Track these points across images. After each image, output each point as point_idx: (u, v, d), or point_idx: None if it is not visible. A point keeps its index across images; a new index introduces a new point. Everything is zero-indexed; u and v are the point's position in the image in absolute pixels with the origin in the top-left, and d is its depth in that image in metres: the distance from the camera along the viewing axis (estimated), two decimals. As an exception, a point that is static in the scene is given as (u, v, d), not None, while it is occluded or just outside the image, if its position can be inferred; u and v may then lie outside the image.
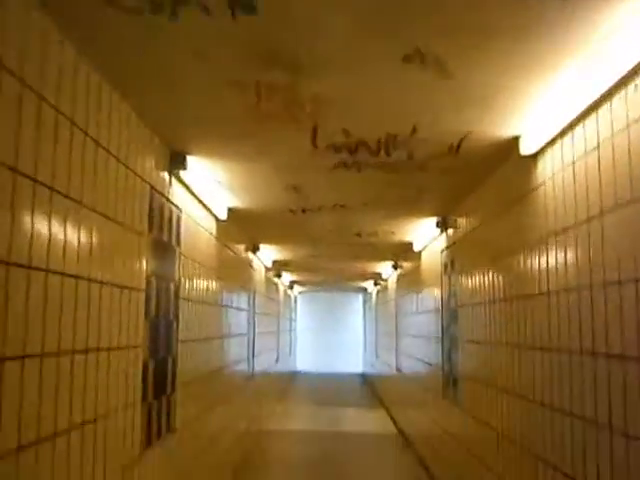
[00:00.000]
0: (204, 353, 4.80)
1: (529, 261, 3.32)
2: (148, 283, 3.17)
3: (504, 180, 3.81)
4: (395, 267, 9.76)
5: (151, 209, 3.23)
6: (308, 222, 6.13)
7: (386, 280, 11.71)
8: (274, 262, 9.58)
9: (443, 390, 5.79)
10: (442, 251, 5.85)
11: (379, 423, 10.12)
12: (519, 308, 3.47)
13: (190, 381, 4.17)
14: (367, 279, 13.83)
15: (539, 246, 3.15)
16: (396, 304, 9.96)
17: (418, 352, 7.37)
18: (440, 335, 5.87)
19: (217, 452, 5.57)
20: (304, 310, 21.09)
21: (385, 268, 10.62)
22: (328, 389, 15.17)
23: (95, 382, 2.48)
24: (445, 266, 5.71)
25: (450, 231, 5.47)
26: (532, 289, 3.24)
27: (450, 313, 5.44)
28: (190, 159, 3.70)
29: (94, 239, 2.47)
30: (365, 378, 17.60)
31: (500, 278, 3.90)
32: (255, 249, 7.83)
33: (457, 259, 5.24)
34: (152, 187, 3.24)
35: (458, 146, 3.43)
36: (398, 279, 9.85)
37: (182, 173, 3.70)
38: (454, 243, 5.34)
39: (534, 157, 3.23)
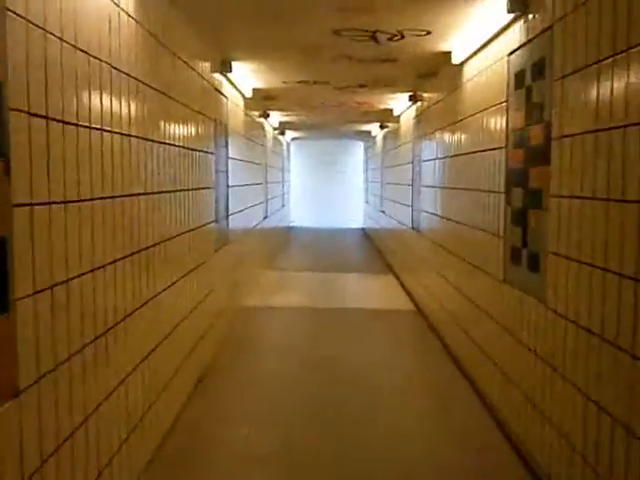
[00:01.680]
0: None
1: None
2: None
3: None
4: (413, 99, 7.49)
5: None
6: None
7: (398, 118, 9.43)
8: (254, 90, 7.25)
9: (506, 269, 3.80)
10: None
11: (390, 294, 8.33)
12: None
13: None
14: (370, 121, 11.52)
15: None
16: (413, 149, 7.78)
17: (458, 211, 5.31)
18: (505, 190, 3.79)
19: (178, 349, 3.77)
20: (299, 159, 18.91)
21: (399, 101, 8.32)
22: (325, 248, 13.39)
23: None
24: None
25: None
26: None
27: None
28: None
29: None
30: (367, 235, 15.81)
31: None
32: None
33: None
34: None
35: None
36: (417, 116, 7.59)
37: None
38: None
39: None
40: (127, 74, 2.94)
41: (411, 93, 7.49)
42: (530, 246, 3.39)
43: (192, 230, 4.33)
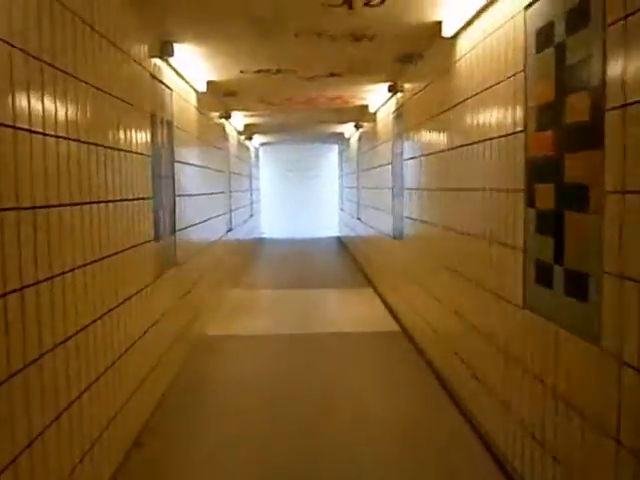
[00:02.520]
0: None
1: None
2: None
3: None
4: (392, 90, 6.56)
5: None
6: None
7: (374, 115, 8.50)
8: (209, 83, 6.26)
9: (528, 292, 2.86)
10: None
11: (371, 312, 7.37)
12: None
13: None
14: (344, 121, 10.60)
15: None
16: (393, 147, 6.85)
17: (452, 217, 4.38)
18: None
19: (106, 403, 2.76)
20: (269, 166, 17.93)
21: (376, 93, 7.39)
22: (298, 261, 12.38)
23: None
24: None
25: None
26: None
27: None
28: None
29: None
30: (344, 244, 14.85)
31: None
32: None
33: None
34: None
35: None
36: (398, 109, 6.67)
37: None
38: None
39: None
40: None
41: (390, 83, 6.57)
42: (569, 263, 2.45)
43: (115, 254, 3.31)
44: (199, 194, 6.33)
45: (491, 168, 3.40)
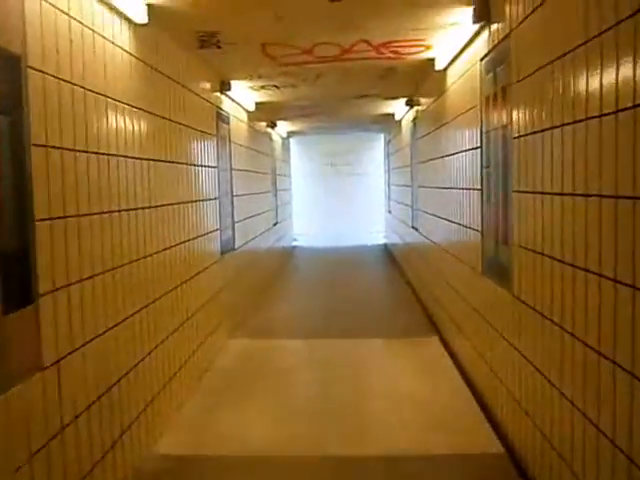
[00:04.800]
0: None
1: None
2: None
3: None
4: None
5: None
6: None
7: (442, 75, 5.60)
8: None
9: None
10: None
11: (446, 403, 4.47)
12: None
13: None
14: (394, 96, 7.75)
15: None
16: (485, 117, 3.96)
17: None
18: None
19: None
20: (302, 160, 15.19)
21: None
22: (331, 284, 9.46)
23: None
24: None
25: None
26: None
27: None
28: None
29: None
30: (391, 256, 11.92)
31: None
32: None
33: None
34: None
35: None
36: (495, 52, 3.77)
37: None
38: None
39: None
40: None
41: (474, 6, 3.71)
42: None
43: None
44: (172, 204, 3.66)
45: None
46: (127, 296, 3.35)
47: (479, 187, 4.09)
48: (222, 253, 5.96)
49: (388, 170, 12.55)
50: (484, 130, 3.93)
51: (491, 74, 3.72)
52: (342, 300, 7.89)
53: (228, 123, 6.42)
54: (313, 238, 14.80)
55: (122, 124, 3.37)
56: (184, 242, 4.58)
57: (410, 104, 7.86)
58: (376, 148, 14.87)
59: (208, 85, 5.47)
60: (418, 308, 7.26)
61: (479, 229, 4.12)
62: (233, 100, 6.61)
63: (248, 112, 7.67)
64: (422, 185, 6.99)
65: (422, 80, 6.39)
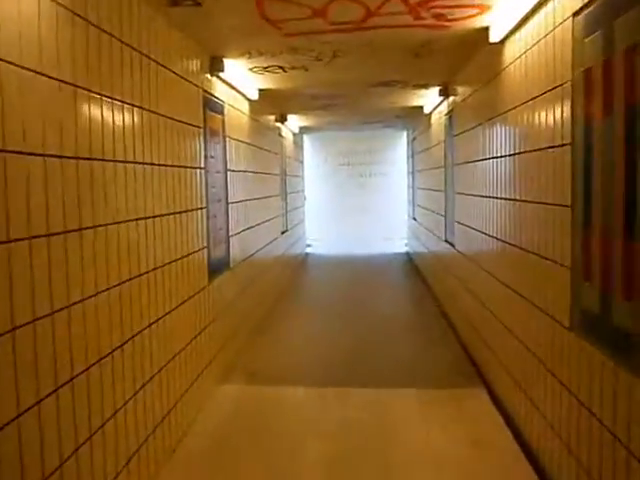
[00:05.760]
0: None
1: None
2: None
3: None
4: None
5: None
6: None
7: (499, 47, 4.29)
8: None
9: None
10: None
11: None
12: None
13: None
14: (423, 86, 6.49)
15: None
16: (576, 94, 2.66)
17: None
18: None
19: None
20: (315, 159, 13.93)
21: None
22: (346, 306, 8.14)
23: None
24: None
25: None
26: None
27: None
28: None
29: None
30: (415, 267, 10.60)
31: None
32: None
33: None
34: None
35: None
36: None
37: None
38: None
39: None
40: None
41: None
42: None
43: None
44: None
45: None
46: (64, 354, 2.13)
47: (567, 203, 2.79)
48: (212, 276, 4.72)
49: (412, 172, 11.23)
50: (580, 119, 2.63)
51: (599, 33, 2.42)
52: (361, 329, 6.57)
53: (222, 113, 5.16)
54: (328, 244, 13.53)
55: (47, 107, 2.15)
56: (151, 271, 3.34)
57: (445, 94, 6.56)
58: (398, 147, 13.57)
59: (190, 61, 4.22)
60: (453, 341, 5.95)
61: (567, 264, 2.82)
62: (229, 85, 5.34)
63: (250, 102, 6.40)
64: (462, 192, 5.67)
65: (465, 60, 5.08)
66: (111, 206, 2.81)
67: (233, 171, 5.57)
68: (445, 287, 7.08)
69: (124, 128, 2.99)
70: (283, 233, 9.25)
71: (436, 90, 6.68)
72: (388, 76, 5.91)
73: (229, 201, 5.40)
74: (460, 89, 5.85)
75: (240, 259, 5.87)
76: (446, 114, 6.76)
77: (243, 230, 6.05)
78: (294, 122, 9.77)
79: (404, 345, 5.96)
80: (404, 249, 12.61)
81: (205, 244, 4.57)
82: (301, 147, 12.53)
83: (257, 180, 6.92)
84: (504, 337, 4.09)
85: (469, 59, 5.00)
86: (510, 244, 3.92)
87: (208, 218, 4.65)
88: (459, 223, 5.85)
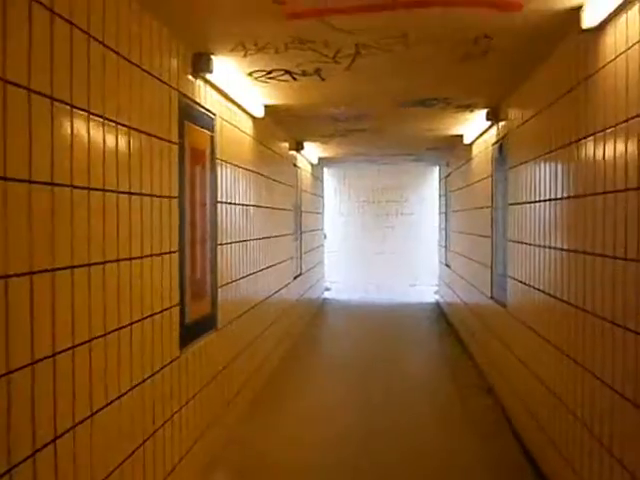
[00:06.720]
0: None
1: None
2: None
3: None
4: None
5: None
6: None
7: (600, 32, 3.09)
8: None
9: None
10: None
11: None
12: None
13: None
14: (471, 107, 5.31)
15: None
16: None
17: None
18: None
19: None
20: (336, 195, 12.79)
21: None
22: (371, 368, 6.81)
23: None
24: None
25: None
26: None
27: None
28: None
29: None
30: (448, 323, 9.22)
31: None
32: None
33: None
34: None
35: None
36: None
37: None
38: None
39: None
40: None
41: None
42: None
43: None
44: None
45: None
46: None
47: None
48: (187, 342, 3.50)
49: (446, 212, 9.96)
50: None
51: None
52: (384, 413, 5.13)
53: (211, 129, 3.99)
54: (348, 288, 12.24)
55: None
56: (92, 339, 2.14)
57: (494, 117, 5.35)
58: (428, 183, 12.35)
59: (159, 50, 3.07)
60: (506, 431, 4.58)
61: None
62: (222, 93, 4.19)
63: (255, 120, 5.24)
64: (519, 240, 4.38)
65: (531, 66, 3.87)
66: (33, 249, 1.66)
67: (227, 203, 4.39)
68: (489, 354, 5.73)
69: (53, 138, 1.82)
70: (296, 278, 8.02)
71: (482, 113, 5.48)
72: (424, 90, 4.73)
73: (219, 242, 4.19)
74: (515, 112, 4.64)
75: (234, 315, 4.64)
76: (495, 143, 5.53)
77: (240, 278, 4.83)
78: (312, 151, 8.62)
79: (437, 436, 4.58)
80: (433, 298, 11.27)
81: (177, 301, 3.36)
82: (321, 180, 11.38)
83: (263, 216, 5.73)
84: (588, 445, 2.76)
85: (538, 63, 3.78)
86: (600, 317, 2.64)
87: (182, 265, 3.44)
88: (514, 279, 4.55)
